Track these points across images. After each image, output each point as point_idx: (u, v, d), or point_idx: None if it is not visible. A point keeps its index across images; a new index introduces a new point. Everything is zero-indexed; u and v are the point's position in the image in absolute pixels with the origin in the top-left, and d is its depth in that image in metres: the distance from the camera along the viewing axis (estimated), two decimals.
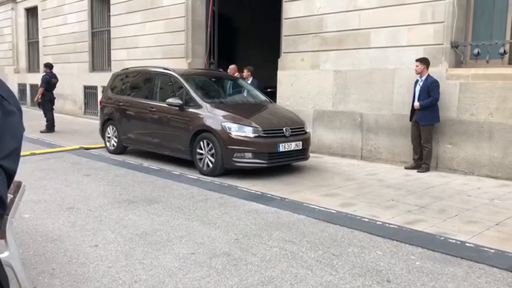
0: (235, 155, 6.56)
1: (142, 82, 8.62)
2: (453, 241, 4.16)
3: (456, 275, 3.47)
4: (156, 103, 7.76)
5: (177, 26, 11.70)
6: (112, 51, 14.06)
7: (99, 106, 9.14)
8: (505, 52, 6.90)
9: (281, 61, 9.59)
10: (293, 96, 9.36)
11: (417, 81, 7.22)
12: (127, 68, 9.27)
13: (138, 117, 8.07)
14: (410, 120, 7.35)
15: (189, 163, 7.24)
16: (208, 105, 7.02)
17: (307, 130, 7.53)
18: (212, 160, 6.76)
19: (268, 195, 5.78)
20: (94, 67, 15.21)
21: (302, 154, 7.14)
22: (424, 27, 7.45)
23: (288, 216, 4.95)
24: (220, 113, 6.91)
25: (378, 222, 4.70)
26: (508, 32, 7.07)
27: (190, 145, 7.05)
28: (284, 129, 6.84)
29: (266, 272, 3.49)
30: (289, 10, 9.34)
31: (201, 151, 6.91)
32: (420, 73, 7.14)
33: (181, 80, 7.55)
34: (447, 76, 7.18)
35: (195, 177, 6.74)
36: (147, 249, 3.94)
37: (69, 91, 15.67)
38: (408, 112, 7.44)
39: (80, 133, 11.60)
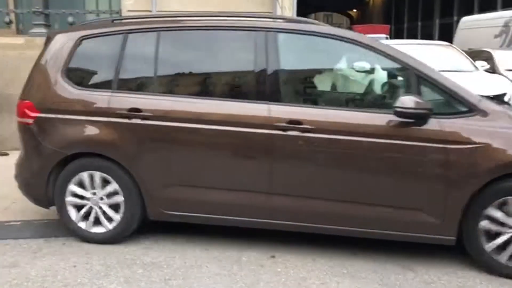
0: None
1: (218, 56, 3.67)
2: None
3: None
4: (317, 110, 3.39)
5: None
6: None
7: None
8: (11, 22, 6.82)
9: None
10: None
11: None
12: (132, 18, 4.13)
13: (230, 147, 3.43)
14: None
15: None
16: (502, 109, 3.35)
17: None
18: None
19: None
20: None
21: None
22: None
23: None
24: None
25: None
26: (11, 1, 7.01)
27: (464, 216, 3.19)
28: None
29: None
30: None
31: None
32: None
33: (395, 53, 3.35)
34: None
35: None
36: None
37: None
38: None
39: None
